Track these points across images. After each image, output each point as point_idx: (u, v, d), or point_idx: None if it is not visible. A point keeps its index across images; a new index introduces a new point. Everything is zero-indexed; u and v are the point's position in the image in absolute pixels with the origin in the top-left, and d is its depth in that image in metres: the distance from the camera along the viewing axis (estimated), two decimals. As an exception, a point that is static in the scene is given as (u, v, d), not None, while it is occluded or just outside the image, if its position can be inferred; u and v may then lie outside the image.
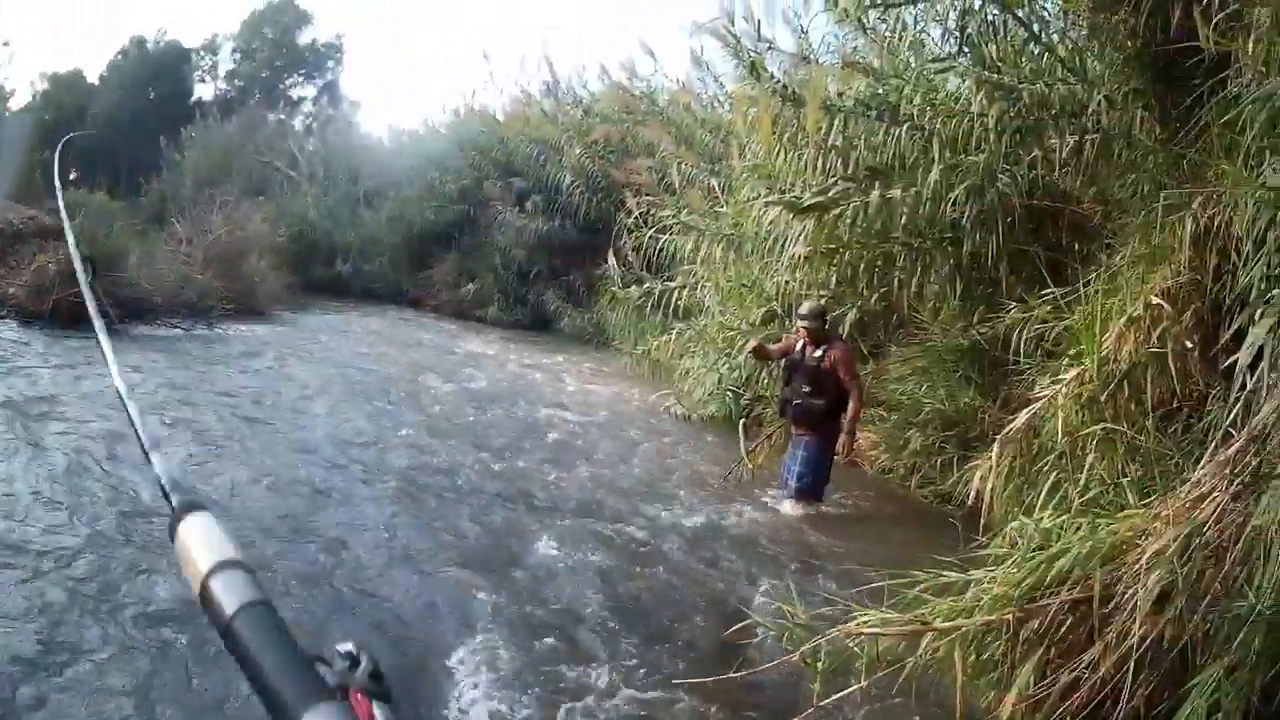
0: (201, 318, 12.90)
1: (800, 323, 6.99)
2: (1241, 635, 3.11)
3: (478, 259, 20.10)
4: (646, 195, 13.67)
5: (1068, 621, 3.57)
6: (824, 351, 6.85)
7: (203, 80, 37.30)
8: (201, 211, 17.04)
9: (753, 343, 7.23)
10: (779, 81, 8.27)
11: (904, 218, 7.39)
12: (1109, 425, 4.44)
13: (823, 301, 7.55)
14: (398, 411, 9.32)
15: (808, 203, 7.75)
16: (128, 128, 32.53)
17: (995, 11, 6.66)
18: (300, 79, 37.39)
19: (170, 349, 11.17)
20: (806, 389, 6.88)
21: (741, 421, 8.48)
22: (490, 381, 11.75)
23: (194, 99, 36.10)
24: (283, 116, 31.08)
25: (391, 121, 31.62)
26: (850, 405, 6.89)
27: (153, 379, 9.16)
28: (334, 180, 23.24)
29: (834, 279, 8.53)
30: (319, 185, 23.08)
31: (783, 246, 8.43)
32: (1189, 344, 4.52)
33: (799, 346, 7.00)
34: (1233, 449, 3.51)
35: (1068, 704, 3.42)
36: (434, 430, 8.57)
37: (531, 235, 18.89)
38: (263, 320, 14.65)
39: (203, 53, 37.09)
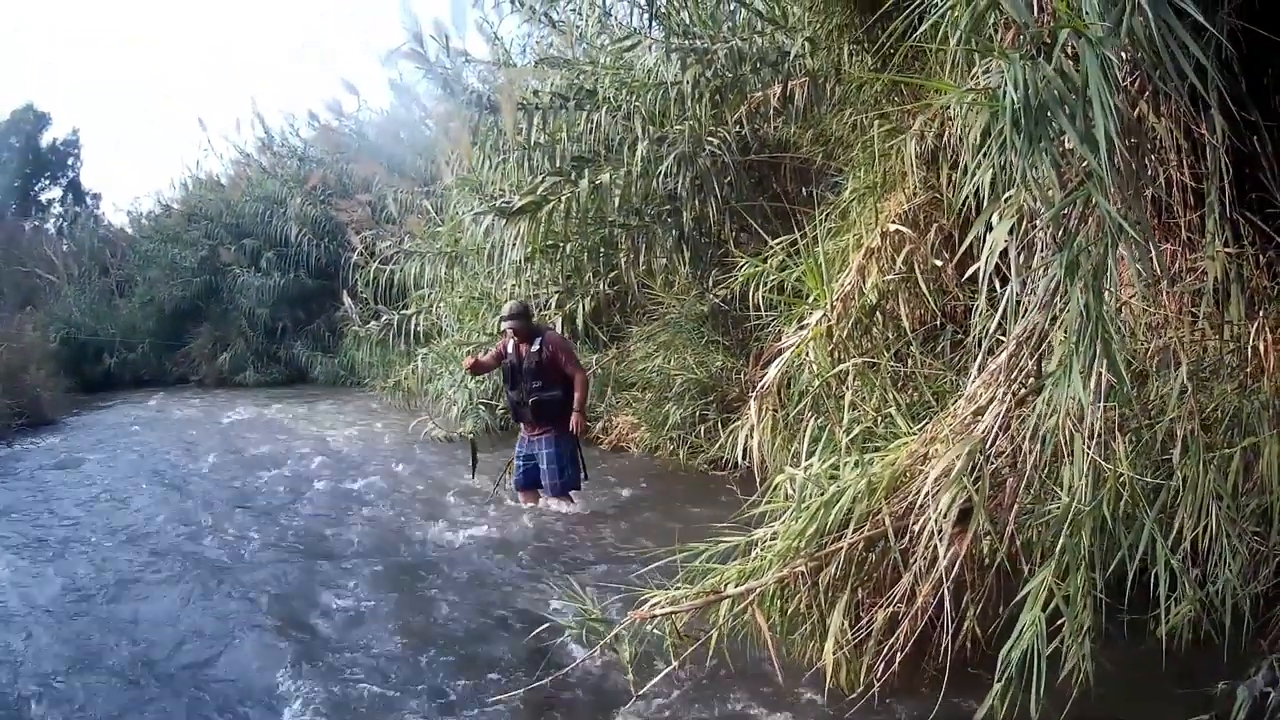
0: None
1: (505, 325, 6.49)
2: (1064, 536, 2.84)
3: (227, 325, 18.86)
4: (368, 230, 12.92)
5: (869, 560, 3.29)
6: (540, 345, 6.38)
7: (-30, 198, 33.95)
8: (-21, 331, 15.77)
9: (468, 360, 6.77)
10: (474, 92, 7.89)
11: (617, 200, 7.10)
12: (860, 359, 4.07)
13: (527, 298, 7.34)
14: (182, 494, 8.11)
15: (518, 204, 7.30)
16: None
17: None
18: (47, 182, 34.53)
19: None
20: (538, 384, 6.38)
21: (470, 439, 7.88)
22: (257, 445, 10.64)
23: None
24: (36, 223, 28.64)
25: (131, 206, 29.23)
26: (576, 387, 6.47)
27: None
28: (88, 277, 21.29)
29: (561, 273, 8.20)
30: (76, 285, 21.03)
31: (502, 253, 7.93)
32: (939, 262, 4.27)
33: (510, 348, 6.50)
34: (1004, 356, 3.17)
35: (893, 640, 3.10)
36: (213, 505, 7.52)
37: (270, 292, 17.83)
38: (54, 429, 13.13)
39: (-36, 169, 33.69)
